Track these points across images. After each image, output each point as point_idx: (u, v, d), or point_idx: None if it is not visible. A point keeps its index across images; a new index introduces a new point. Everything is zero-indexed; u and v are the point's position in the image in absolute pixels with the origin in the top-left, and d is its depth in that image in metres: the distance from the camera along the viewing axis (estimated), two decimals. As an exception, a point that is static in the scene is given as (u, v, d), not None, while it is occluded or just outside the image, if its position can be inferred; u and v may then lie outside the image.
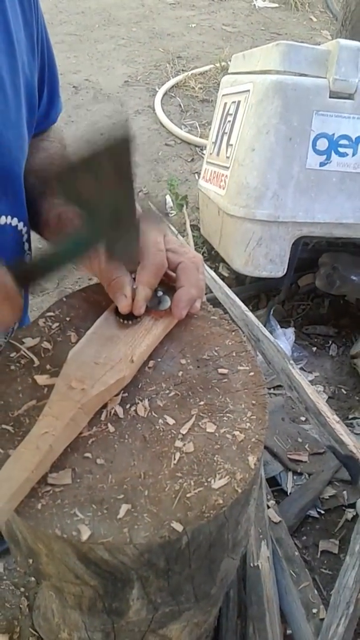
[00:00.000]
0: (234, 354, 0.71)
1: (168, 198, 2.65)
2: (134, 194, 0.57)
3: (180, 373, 0.68)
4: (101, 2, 4.69)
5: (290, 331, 1.96)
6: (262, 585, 1.13)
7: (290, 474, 1.50)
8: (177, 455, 0.60)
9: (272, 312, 2.01)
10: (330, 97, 1.66)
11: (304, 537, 1.41)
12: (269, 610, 1.10)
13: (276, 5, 4.79)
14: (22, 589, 1.29)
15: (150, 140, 3.15)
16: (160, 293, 0.70)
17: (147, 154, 3.03)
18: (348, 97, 1.68)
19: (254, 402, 0.65)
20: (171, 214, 2.57)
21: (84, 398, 0.59)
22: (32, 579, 1.30)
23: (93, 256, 0.70)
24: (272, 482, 1.49)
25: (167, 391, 0.66)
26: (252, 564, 1.16)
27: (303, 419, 1.68)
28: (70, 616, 0.82)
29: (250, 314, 1.63)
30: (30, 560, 0.64)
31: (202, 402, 0.65)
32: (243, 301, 1.77)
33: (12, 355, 0.69)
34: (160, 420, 0.63)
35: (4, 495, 0.51)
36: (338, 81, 1.65)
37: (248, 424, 0.63)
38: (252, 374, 0.68)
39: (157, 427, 0.63)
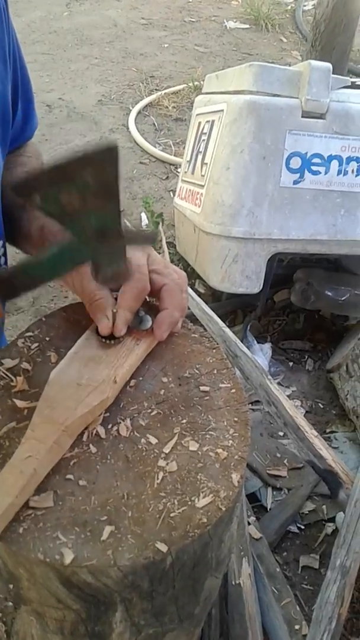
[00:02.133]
0: (215, 372, 0.71)
1: (143, 215, 2.67)
2: (119, 209, 0.55)
3: (162, 391, 0.68)
4: (74, 21, 4.73)
5: (267, 346, 1.98)
6: (244, 603, 1.13)
7: (269, 489, 1.51)
8: (161, 474, 0.60)
9: (248, 328, 2.03)
10: (302, 116, 1.70)
11: (285, 553, 1.41)
12: (252, 628, 1.09)
13: (247, 26, 4.89)
14: (0, 615, 1.26)
15: (124, 159, 3.17)
16: (142, 313, 0.70)
17: (122, 172, 3.05)
18: (320, 116, 1.72)
19: (236, 419, 0.66)
20: (146, 231, 2.58)
21: (67, 420, 0.59)
22: (10, 603, 1.28)
23: (76, 272, 0.70)
24: (252, 498, 1.49)
25: (149, 410, 0.66)
26: (233, 582, 1.16)
27: (281, 433, 1.69)
28: (52, 641, 0.81)
29: (227, 330, 1.64)
30: (11, 586, 0.63)
31: (184, 421, 0.65)
32: (220, 317, 1.78)
33: (-10, 376, 0.68)
34: (143, 440, 0.63)
35: None
36: (310, 101, 1.68)
37: (230, 442, 0.63)
38: (233, 391, 0.69)
39: (140, 446, 0.62)
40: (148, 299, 0.74)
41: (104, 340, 0.69)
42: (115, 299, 0.71)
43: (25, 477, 0.54)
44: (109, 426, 0.64)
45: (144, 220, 2.66)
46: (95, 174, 0.49)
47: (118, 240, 0.58)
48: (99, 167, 0.49)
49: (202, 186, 1.89)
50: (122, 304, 0.68)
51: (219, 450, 0.62)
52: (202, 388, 0.69)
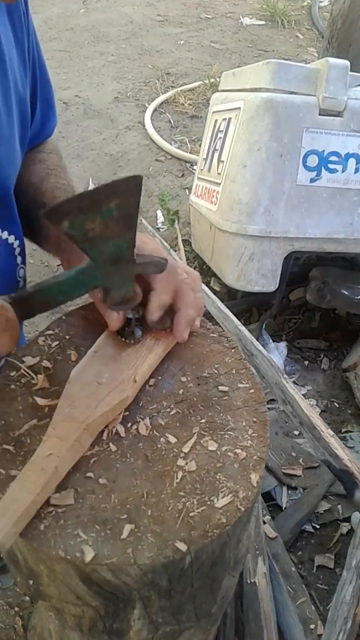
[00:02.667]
0: (234, 372, 0.71)
1: (159, 213, 2.67)
2: (134, 243, 0.59)
3: (181, 391, 0.68)
4: (90, 19, 4.73)
5: (283, 345, 1.97)
6: (259, 602, 1.13)
7: (284, 488, 1.50)
8: (180, 474, 0.60)
9: (264, 326, 2.02)
10: (319, 114, 1.69)
11: (300, 552, 1.40)
12: (267, 627, 1.10)
13: (263, 22, 4.86)
14: (17, 609, 1.27)
15: (140, 156, 3.17)
16: (161, 312, 0.71)
17: (138, 169, 3.05)
18: (337, 114, 1.70)
19: (254, 419, 0.66)
20: (162, 229, 2.59)
21: (88, 419, 0.59)
22: (27, 598, 1.29)
23: (90, 293, 0.72)
24: (267, 496, 1.49)
25: (168, 409, 0.66)
26: (249, 581, 1.16)
27: (297, 432, 1.68)
28: (69, 637, 0.81)
29: (243, 328, 1.64)
30: (31, 582, 0.64)
31: (203, 420, 0.65)
32: (235, 315, 1.78)
33: (12, 374, 0.68)
34: (162, 439, 0.63)
35: (11, 518, 0.51)
36: (327, 99, 1.67)
37: (249, 442, 0.63)
38: (252, 391, 0.69)
39: (159, 445, 0.63)
40: None
41: (123, 339, 0.69)
42: None
43: (46, 475, 0.54)
44: (129, 425, 0.64)
45: (160, 218, 2.67)
46: (120, 203, 0.53)
47: (129, 266, 0.61)
48: (124, 198, 0.53)
49: (219, 184, 1.89)
50: (157, 288, 0.69)
51: (238, 451, 0.62)
52: (220, 388, 0.69)
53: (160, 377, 0.70)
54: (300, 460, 1.58)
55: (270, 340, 1.98)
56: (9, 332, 0.56)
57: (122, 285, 0.63)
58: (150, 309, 0.69)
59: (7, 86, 0.75)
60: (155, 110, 3.55)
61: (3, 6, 0.74)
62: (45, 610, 0.87)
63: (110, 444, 0.62)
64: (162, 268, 0.68)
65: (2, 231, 0.79)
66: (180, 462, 0.61)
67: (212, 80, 3.72)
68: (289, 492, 1.51)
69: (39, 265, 2.38)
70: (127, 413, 0.65)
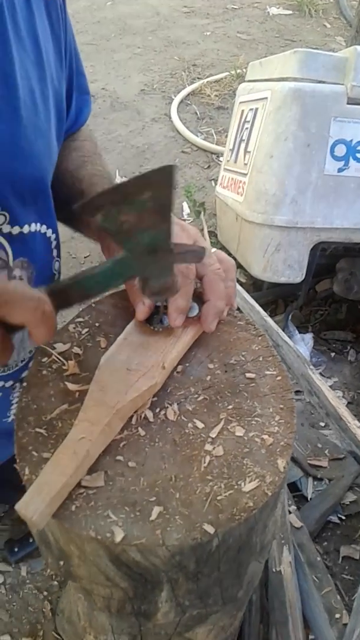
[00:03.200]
0: (261, 359, 0.72)
1: (185, 205, 2.67)
2: (171, 228, 0.58)
3: (209, 377, 0.69)
4: (117, 11, 4.74)
5: (309, 336, 1.96)
6: (284, 590, 1.14)
7: (310, 479, 1.50)
8: (207, 458, 0.61)
9: (290, 318, 2.02)
10: (348, 103, 1.67)
11: (325, 543, 1.41)
12: (292, 615, 1.10)
13: (290, 12, 4.81)
14: (45, 593, 1.30)
15: (166, 148, 3.17)
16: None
17: (164, 161, 3.05)
18: (366, 103, 1.69)
19: (281, 406, 0.66)
20: (188, 220, 2.59)
21: (118, 404, 0.60)
22: (55, 583, 1.32)
23: (127, 284, 0.73)
24: (292, 487, 1.49)
25: (196, 395, 0.67)
26: (274, 569, 1.17)
27: (322, 424, 1.68)
28: (98, 619, 0.83)
29: (269, 319, 1.64)
30: (62, 563, 0.65)
31: (230, 406, 0.66)
32: (261, 306, 1.78)
33: (43, 360, 0.70)
34: (190, 424, 0.64)
35: (44, 499, 0.53)
36: (356, 87, 1.65)
37: (276, 428, 0.64)
38: (279, 378, 0.69)
39: (187, 430, 0.64)
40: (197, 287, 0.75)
41: (152, 327, 0.70)
42: None
43: (78, 458, 0.56)
44: (157, 410, 0.65)
45: (186, 209, 2.67)
46: (153, 195, 0.53)
47: (167, 256, 0.61)
48: (157, 189, 0.53)
49: (245, 174, 1.88)
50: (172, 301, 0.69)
51: (265, 437, 0.63)
52: (247, 375, 0.69)
53: (187, 364, 0.71)
54: (326, 452, 1.58)
55: (297, 332, 1.97)
56: (46, 324, 0.56)
57: (160, 275, 0.63)
58: (169, 312, 0.69)
59: (45, 80, 0.76)
60: (181, 102, 3.54)
61: (41, 1, 0.75)
62: (74, 592, 0.89)
63: (139, 428, 0.63)
64: (201, 257, 0.67)
65: (41, 225, 0.81)
66: (208, 447, 0.62)
67: (238, 71, 3.70)
68: (315, 483, 1.51)
69: (66, 256, 2.41)
70: (155, 399, 0.66)
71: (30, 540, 1.33)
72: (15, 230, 0.76)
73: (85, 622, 0.92)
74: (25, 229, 0.78)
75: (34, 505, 0.52)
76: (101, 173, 0.87)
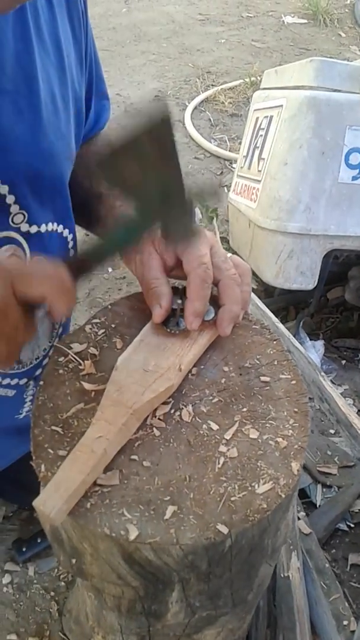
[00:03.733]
0: (276, 363, 0.72)
1: (197, 210, 2.68)
2: (180, 172, 0.55)
3: (223, 380, 0.70)
4: (132, 18, 4.78)
5: (320, 344, 1.96)
6: (292, 595, 1.13)
7: (319, 486, 1.50)
8: (222, 459, 0.61)
9: (301, 325, 2.02)
10: (363, 112, 1.68)
11: (333, 550, 1.40)
12: (300, 621, 1.10)
13: (305, 21, 4.82)
14: (52, 593, 1.30)
15: (180, 154, 3.19)
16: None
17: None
18: (381, 112, 1.69)
19: (296, 409, 0.67)
20: (201, 226, 2.60)
21: (136, 404, 0.61)
22: (63, 583, 1.32)
23: (140, 262, 0.73)
24: (301, 494, 1.49)
25: (211, 397, 0.68)
26: (282, 575, 1.17)
27: (332, 431, 1.68)
28: (107, 618, 0.84)
29: (281, 325, 1.64)
30: (74, 560, 0.66)
31: (244, 409, 0.67)
32: (272, 313, 1.78)
33: (60, 359, 0.71)
34: (204, 426, 0.65)
35: (62, 496, 0.53)
36: (372, 97, 1.66)
37: (290, 431, 0.64)
38: (293, 382, 0.70)
39: (201, 432, 0.64)
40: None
41: (168, 329, 0.71)
42: (173, 288, 0.73)
43: (96, 457, 0.57)
44: (172, 411, 0.66)
45: (198, 215, 2.68)
46: (151, 141, 0.50)
47: (183, 200, 0.58)
48: (154, 135, 0.49)
49: (259, 181, 1.89)
50: (189, 296, 0.69)
51: (279, 439, 0.64)
52: (262, 378, 0.70)
53: (202, 366, 0.71)
54: (336, 459, 1.57)
55: (308, 339, 1.97)
56: (65, 295, 0.55)
57: (180, 220, 0.61)
58: (186, 316, 0.70)
59: (66, 84, 0.77)
60: (195, 108, 3.56)
61: (63, 5, 0.76)
62: (83, 592, 0.90)
63: (154, 428, 0.64)
64: (216, 190, 0.64)
65: (58, 225, 0.82)
66: (222, 448, 0.63)
67: (252, 78, 3.71)
68: (324, 490, 1.50)
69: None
70: (170, 400, 0.67)
71: (39, 540, 1.33)
72: (33, 229, 0.77)
73: (93, 622, 0.93)
74: (43, 228, 0.79)
75: (52, 502, 0.53)
76: None
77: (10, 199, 0.72)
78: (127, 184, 0.54)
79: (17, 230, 0.75)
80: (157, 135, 0.50)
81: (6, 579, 1.30)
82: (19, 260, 0.56)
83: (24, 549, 1.31)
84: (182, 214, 0.60)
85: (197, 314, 0.69)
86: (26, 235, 0.77)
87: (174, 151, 0.52)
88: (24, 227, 0.76)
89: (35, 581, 1.32)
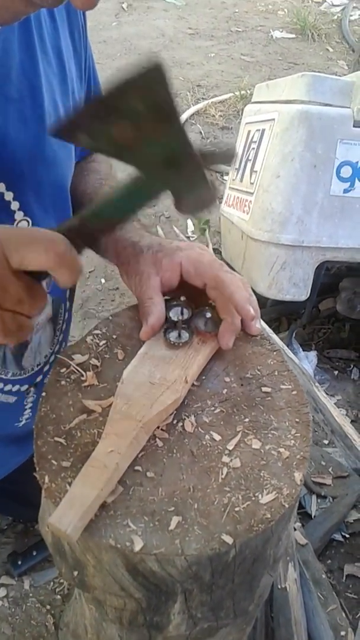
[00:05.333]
0: (276, 373, 0.73)
1: (189, 222, 2.70)
2: (183, 129, 0.49)
3: (225, 391, 0.70)
4: (122, 31, 4.81)
5: (313, 354, 1.98)
6: (289, 607, 1.13)
7: (314, 497, 1.51)
8: (225, 470, 0.62)
9: (294, 335, 2.03)
10: (354, 126, 1.70)
11: (329, 561, 1.40)
12: (297, 632, 1.10)
13: (293, 35, 4.89)
14: (48, 607, 1.29)
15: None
16: (208, 314, 0.73)
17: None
18: (372, 126, 1.72)
19: (297, 419, 0.67)
20: (193, 237, 2.61)
21: (145, 417, 0.61)
22: (58, 597, 1.31)
23: (137, 276, 0.74)
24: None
25: (213, 408, 0.68)
26: (279, 586, 1.17)
27: (326, 442, 1.68)
28: (107, 631, 0.83)
29: (274, 336, 1.65)
30: (76, 572, 0.66)
31: (247, 419, 0.67)
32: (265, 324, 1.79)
33: (62, 371, 0.71)
34: (207, 436, 0.65)
35: (77, 513, 0.53)
36: (362, 111, 1.69)
37: (292, 441, 0.65)
38: (294, 392, 0.70)
39: (204, 442, 0.65)
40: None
41: (171, 342, 0.71)
42: (175, 301, 0.75)
43: (109, 471, 0.57)
44: (175, 422, 0.66)
45: (190, 226, 2.69)
46: (143, 98, 0.44)
47: (193, 164, 0.52)
48: (146, 91, 0.44)
49: (251, 193, 1.91)
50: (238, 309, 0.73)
51: (282, 450, 0.64)
52: (263, 389, 0.71)
53: (204, 377, 0.72)
54: (330, 470, 1.58)
55: (301, 349, 1.99)
56: (66, 264, 0.52)
57: (192, 186, 0.54)
58: (220, 333, 0.72)
59: (67, 94, 0.79)
60: (186, 121, 3.59)
61: (65, 18, 0.78)
62: (83, 605, 0.89)
63: (157, 439, 0.64)
64: (232, 155, 0.58)
65: None
66: (225, 458, 0.63)
67: (242, 92, 3.75)
68: (319, 500, 1.51)
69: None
70: (173, 411, 0.67)
71: (34, 553, 1.33)
72: None
73: (92, 635, 0.92)
74: None
75: (67, 519, 0.53)
76: None
77: (15, 205, 0.73)
78: (121, 147, 0.48)
79: None
80: (151, 94, 0.44)
81: (1, 592, 1.29)
82: (8, 227, 0.53)
83: (19, 562, 1.30)
84: (194, 178, 0.54)
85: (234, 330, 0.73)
86: None
87: (173, 111, 0.46)
88: None
89: (31, 595, 1.31)
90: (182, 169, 0.52)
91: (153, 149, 0.49)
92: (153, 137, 0.47)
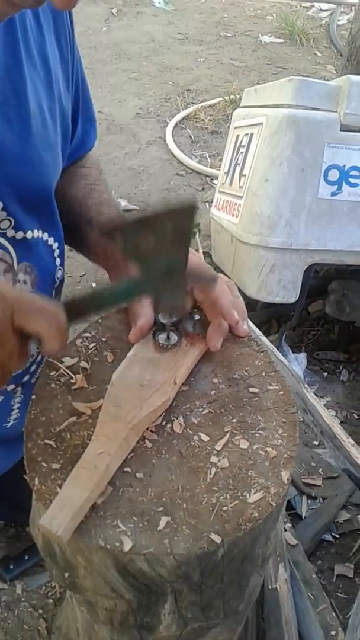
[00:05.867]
0: (264, 374, 0.74)
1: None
2: (187, 255, 0.62)
3: (213, 392, 0.71)
4: (112, 37, 4.83)
5: (302, 356, 1.99)
6: (280, 607, 1.14)
7: (304, 497, 1.51)
8: (213, 470, 0.63)
9: (283, 338, 2.04)
10: (341, 130, 1.72)
11: (319, 561, 1.41)
12: (288, 632, 1.11)
13: (281, 40, 4.92)
14: (40, 611, 1.29)
15: (162, 171, 3.22)
16: (196, 317, 0.74)
17: (159, 183, 3.10)
18: (358, 130, 1.73)
19: (284, 419, 0.68)
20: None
21: (134, 419, 0.62)
22: (50, 601, 1.31)
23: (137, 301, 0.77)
24: (287, 505, 1.50)
25: (201, 409, 0.69)
26: (270, 586, 1.17)
27: (316, 443, 1.69)
28: (99, 633, 0.83)
29: (264, 338, 1.66)
30: (67, 574, 0.66)
31: (234, 420, 0.68)
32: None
33: (51, 373, 0.72)
34: (195, 437, 0.66)
35: (68, 514, 0.54)
36: (349, 115, 1.70)
37: (280, 441, 0.66)
38: (282, 393, 0.71)
39: (193, 443, 0.65)
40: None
41: (160, 344, 0.72)
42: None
43: (99, 473, 0.57)
44: (163, 423, 0.67)
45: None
46: (173, 225, 0.57)
47: (181, 280, 0.64)
48: (178, 220, 0.57)
49: (240, 197, 1.92)
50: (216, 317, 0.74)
51: (269, 449, 0.65)
52: (251, 389, 0.72)
53: (192, 379, 0.73)
54: (320, 470, 1.59)
55: (290, 351, 2.00)
56: (60, 336, 0.58)
57: (172, 295, 0.66)
58: (209, 335, 0.74)
59: (53, 99, 0.80)
60: (176, 125, 3.60)
61: (51, 24, 0.79)
62: (74, 607, 0.89)
63: (146, 440, 0.65)
64: (214, 281, 0.72)
65: (43, 233, 0.84)
66: (213, 459, 0.64)
67: (231, 96, 3.77)
68: (309, 501, 1.52)
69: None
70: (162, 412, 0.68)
71: (26, 558, 1.33)
72: (19, 235, 0.79)
73: (84, 638, 0.92)
74: (29, 234, 0.81)
75: (58, 520, 0.53)
76: (107, 201, 0.91)
77: None
78: (140, 253, 0.60)
79: (4, 235, 0.77)
80: (180, 223, 0.57)
81: (-7, 597, 1.29)
82: (20, 291, 0.58)
83: (11, 567, 1.30)
84: (177, 289, 0.66)
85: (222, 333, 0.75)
86: (12, 241, 0.79)
87: (188, 237, 0.60)
88: (10, 233, 0.78)
89: (23, 599, 1.30)
90: (172, 281, 0.63)
91: (161, 260, 0.60)
92: (165, 253, 0.60)
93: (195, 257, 0.75)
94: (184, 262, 0.62)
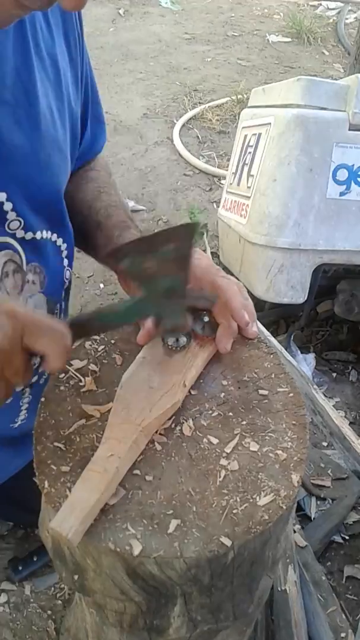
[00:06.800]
0: (273, 376, 0.74)
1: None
2: (188, 275, 0.64)
3: (222, 394, 0.71)
4: (119, 37, 4.83)
5: (311, 357, 1.98)
6: (290, 609, 1.14)
7: (313, 499, 1.51)
8: (223, 473, 0.62)
9: (292, 338, 2.03)
10: (349, 129, 1.71)
11: (329, 563, 1.41)
12: (297, 634, 1.10)
13: (289, 39, 4.91)
14: (49, 612, 1.29)
15: (169, 171, 3.22)
16: (206, 319, 0.74)
17: (167, 184, 3.10)
18: (367, 129, 1.73)
19: (294, 422, 0.68)
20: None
21: (144, 421, 0.62)
22: (59, 602, 1.31)
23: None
24: (296, 507, 1.50)
25: (210, 411, 0.69)
26: (279, 588, 1.17)
27: (325, 444, 1.69)
28: (108, 635, 0.83)
29: (272, 338, 1.66)
30: (76, 577, 0.66)
31: (244, 422, 0.68)
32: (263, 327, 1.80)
33: (60, 376, 0.72)
34: (205, 440, 0.66)
35: (78, 517, 0.54)
36: (357, 114, 1.70)
37: (290, 443, 0.65)
38: (291, 395, 0.71)
39: (202, 445, 0.65)
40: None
41: (169, 346, 0.72)
42: None
43: (109, 475, 0.57)
44: (173, 425, 0.67)
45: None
46: (175, 247, 0.60)
47: (182, 300, 0.67)
48: (179, 242, 0.60)
49: (248, 197, 1.92)
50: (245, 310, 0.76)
51: (279, 452, 0.65)
52: (260, 391, 0.71)
53: (202, 381, 0.72)
54: (329, 471, 1.58)
55: (299, 352, 1.99)
56: (63, 353, 0.59)
57: (173, 316, 0.68)
58: (218, 337, 0.75)
59: (62, 100, 0.80)
60: (183, 126, 3.60)
61: (60, 26, 0.79)
62: (83, 609, 0.89)
63: (156, 443, 0.65)
64: (213, 302, 0.73)
65: (52, 234, 0.84)
66: (223, 461, 0.63)
67: (239, 96, 3.76)
68: (318, 502, 1.51)
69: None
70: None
71: (35, 559, 1.33)
72: (29, 235, 0.79)
73: (93, 639, 0.93)
74: (38, 235, 0.81)
75: (68, 523, 0.53)
76: (116, 204, 0.91)
77: (7, 206, 0.74)
78: (144, 275, 0.63)
79: (13, 236, 0.77)
80: (181, 245, 0.60)
81: (2, 598, 1.29)
82: (31, 311, 0.59)
83: (20, 568, 1.31)
84: (177, 311, 0.69)
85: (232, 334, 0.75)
86: (22, 242, 0.79)
87: (189, 260, 0.63)
88: (20, 234, 0.78)
89: (32, 600, 1.31)
90: (173, 301, 0.66)
91: (162, 283, 0.63)
92: (167, 274, 0.63)
93: (204, 258, 0.75)
94: (184, 283, 0.65)
